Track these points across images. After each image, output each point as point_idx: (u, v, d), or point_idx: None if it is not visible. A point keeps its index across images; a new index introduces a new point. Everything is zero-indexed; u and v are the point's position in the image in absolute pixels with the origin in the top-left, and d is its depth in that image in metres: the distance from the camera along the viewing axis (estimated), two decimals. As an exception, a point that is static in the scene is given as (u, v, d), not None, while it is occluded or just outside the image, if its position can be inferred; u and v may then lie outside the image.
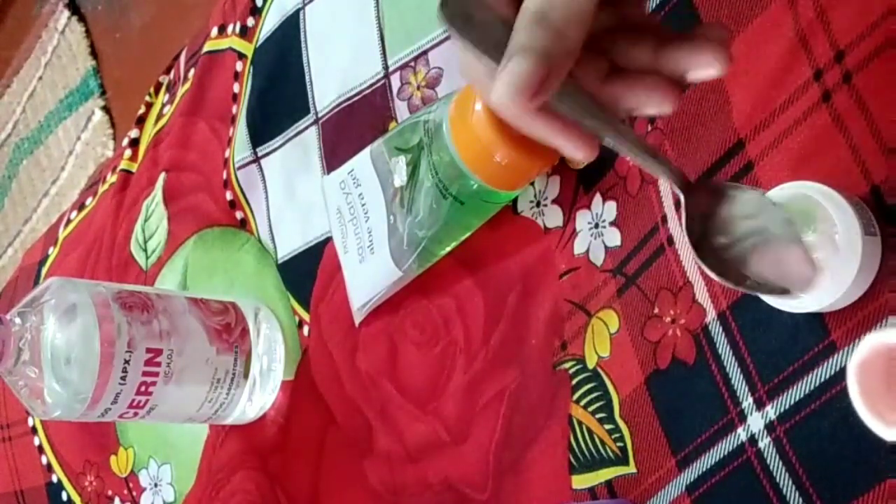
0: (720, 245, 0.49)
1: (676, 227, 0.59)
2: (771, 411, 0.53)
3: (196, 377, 0.78)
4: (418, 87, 0.76)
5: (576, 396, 0.63)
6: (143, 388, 0.75)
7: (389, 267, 0.72)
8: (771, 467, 0.53)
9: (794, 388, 0.52)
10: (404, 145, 0.69)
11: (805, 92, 0.54)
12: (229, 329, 0.80)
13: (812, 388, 0.52)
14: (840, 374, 0.51)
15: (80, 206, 1.11)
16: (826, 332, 0.51)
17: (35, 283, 1.12)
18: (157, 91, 1.05)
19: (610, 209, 0.63)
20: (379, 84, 0.79)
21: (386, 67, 0.78)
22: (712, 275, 0.48)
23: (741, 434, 0.55)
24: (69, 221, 1.11)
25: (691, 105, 0.57)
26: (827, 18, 0.53)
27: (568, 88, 0.44)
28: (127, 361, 0.74)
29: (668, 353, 0.59)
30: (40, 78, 2.34)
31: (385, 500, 0.75)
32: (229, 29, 0.94)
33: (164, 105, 1.02)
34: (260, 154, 0.88)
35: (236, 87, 0.92)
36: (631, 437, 0.60)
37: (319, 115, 0.83)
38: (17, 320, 0.74)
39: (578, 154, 0.46)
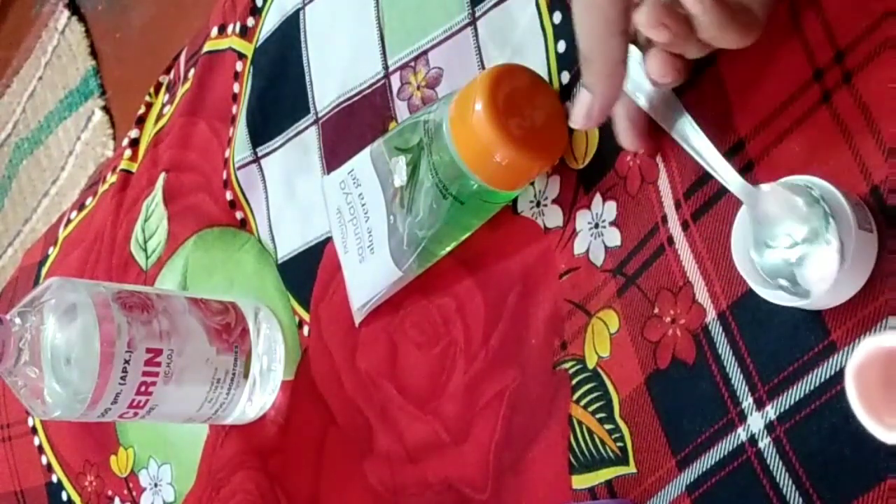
0: (773, 249, 0.50)
1: (676, 227, 0.59)
2: (771, 411, 0.53)
3: (196, 377, 0.78)
4: (418, 87, 0.76)
5: (576, 396, 0.63)
6: (143, 388, 0.75)
7: (389, 267, 0.72)
8: (771, 467, 0.53)
9: (795, 388, 0.52)
10: (404, 145, 0.69)
11: (805, 92, 0.54)
12: (229, 329, 0.80)
13: (812, 388, 0.52)
14: (840, 374, 0.50)
15: (80, 206, 1.11)
16: (826, 332, 0.51)
17: (35, 283, 1.12)
18: (157, 91, 1.05)
19: (610, 209, 0.63)
20: (379, 84, 0.79)
21: (386, 67, 0.78)
22: (757, 285, 0.51)
23: (741, 434, 0.55)
24: (69, 221, 1.11)
25: (691, 104, 0.57)
26: (827, 19, 0.53)
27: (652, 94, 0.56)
28: (127, 361, 0.74)
29: (668, 353, 0.59)
30: (40, 78, 2.34)
31: (385, 500, 0.75)
32: (229, 29, 0.94)
33: (164, 105, 1.02)
34: (260, 154, 0.88)
35: (236, 87, 0.92)
36: (631, 437, 0.60)
37: (319, 115, 0.83)
38: (17, 320, 0.74)
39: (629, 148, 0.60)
